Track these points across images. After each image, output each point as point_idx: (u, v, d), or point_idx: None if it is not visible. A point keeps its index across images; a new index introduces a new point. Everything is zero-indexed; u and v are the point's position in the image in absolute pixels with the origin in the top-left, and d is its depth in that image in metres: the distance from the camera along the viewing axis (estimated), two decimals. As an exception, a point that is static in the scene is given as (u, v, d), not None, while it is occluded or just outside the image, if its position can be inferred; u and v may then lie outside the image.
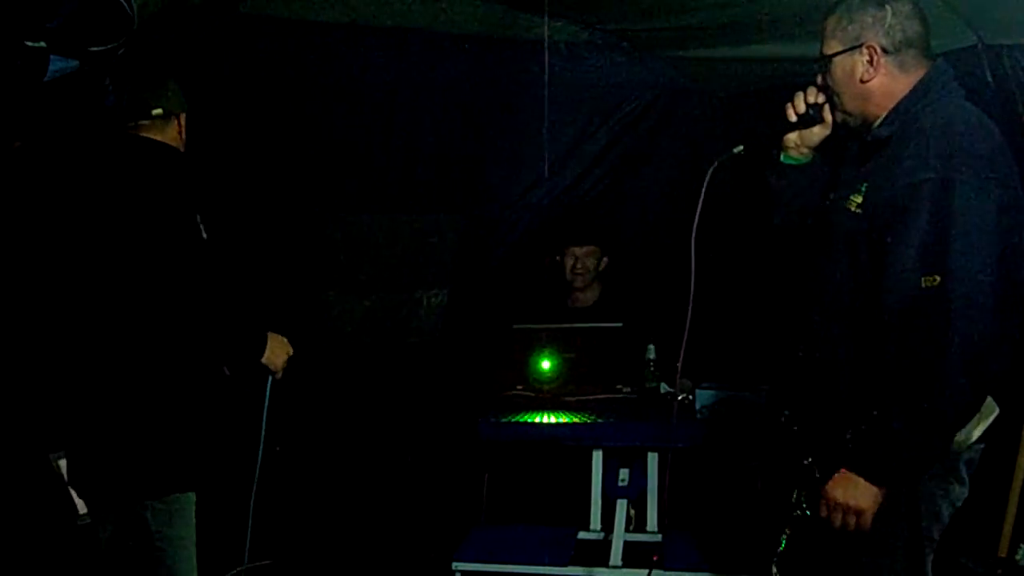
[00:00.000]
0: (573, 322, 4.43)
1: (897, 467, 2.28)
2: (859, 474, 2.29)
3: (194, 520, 2.80)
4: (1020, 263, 2.23)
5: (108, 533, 2.84)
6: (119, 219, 2.61)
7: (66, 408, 2.86)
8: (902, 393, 2.21)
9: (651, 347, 4.24)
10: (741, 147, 2.60)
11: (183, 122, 2.90)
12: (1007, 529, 3.25)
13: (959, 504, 2.43)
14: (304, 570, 4.31)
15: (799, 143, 2.62)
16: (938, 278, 2.16)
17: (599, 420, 3.95)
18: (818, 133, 2.58)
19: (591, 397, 4.20)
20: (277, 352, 2.92)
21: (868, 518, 2.30)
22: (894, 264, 2.24)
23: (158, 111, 2.80)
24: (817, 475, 2.45)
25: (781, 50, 3.73)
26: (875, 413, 2.25)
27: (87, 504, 2.99)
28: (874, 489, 2.28)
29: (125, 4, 1.63)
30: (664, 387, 4.23)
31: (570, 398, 4.19)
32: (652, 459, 4.07)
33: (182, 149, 2.90)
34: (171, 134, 2.85)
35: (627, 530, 4.02)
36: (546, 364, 4.26)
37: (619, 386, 4.33)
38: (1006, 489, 3.31)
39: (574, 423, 3.91)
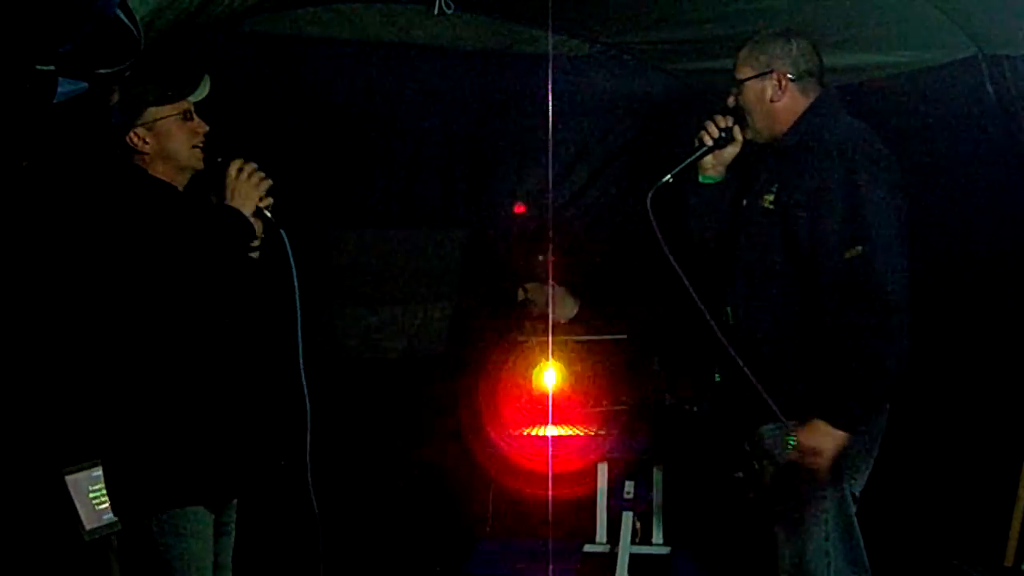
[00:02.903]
0: (569, 335, 4.43)
1: (858, 412, 2.67)
2: (827, 420, 2.65)
3: (207, 534, 2.79)
4: (906, 244, 2.67)
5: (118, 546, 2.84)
6: (114, 236, 2.61)
7: (80, 423, 2.86)
8: (853, 347, 2.62)
9: (655, 359, 4.24)
10: (669, 176, 2.95)
11: (133, 141, 2.71)
12: (1013, 539, 3.26)
13: (871, 461, 2.84)
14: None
15: (715, 163, 2.99)
16: (859, 248, 2.60)
17: (604, 432, 3.95)
18: (730, 152, 2.97)
19: (596, 409, 4.21)
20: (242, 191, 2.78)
21: (828, 460, 2.67)
22: (818, 245, 2.67)
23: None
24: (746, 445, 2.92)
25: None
26: (832, 368, 2.66)
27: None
28: (838, 434, 2.65)
29: (132, 27, 1.64)
30: (669, 398, 4.24)
31: (575, 410, 4.19)
32: (657, 471, 4.07)
33: (152, 161, 2.74)
34: (137, 152, 2.76)
35: (633, 542, 4.02)
36: (550, 377, 4.27)
37: (624, 398, 4.33)
38: (1010, 499, 3.32)
39: (579, 435, 3.92)
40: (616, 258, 5.19)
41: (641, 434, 4.01)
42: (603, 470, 4.08)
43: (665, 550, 4.04)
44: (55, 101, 1.64)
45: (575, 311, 4.67)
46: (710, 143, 2.94)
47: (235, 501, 2.96)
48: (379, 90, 4.51)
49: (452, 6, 3.83)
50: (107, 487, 2.76)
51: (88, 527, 3.37)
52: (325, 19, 4.13)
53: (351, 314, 4.99)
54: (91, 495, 3.35)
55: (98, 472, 3.11)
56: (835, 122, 2.82)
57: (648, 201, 2.91)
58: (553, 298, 4.63)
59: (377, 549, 4.49)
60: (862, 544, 2.78)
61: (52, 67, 1.57)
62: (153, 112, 2.70)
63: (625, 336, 4.21)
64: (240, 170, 2.77)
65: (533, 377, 4.31)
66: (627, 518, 4.04)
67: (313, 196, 4.60)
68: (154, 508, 2.66)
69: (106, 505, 3.11)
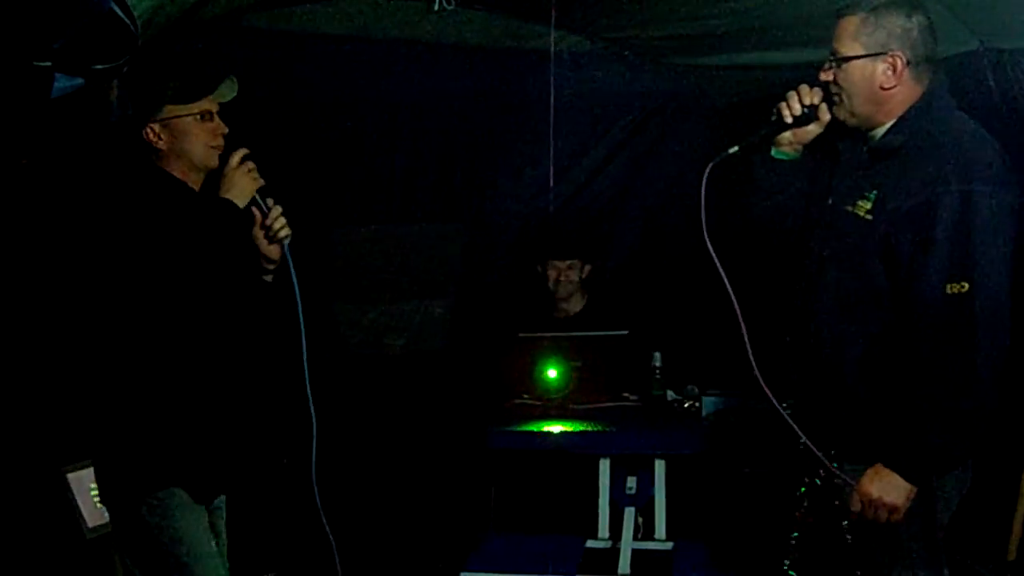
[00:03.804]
0: (571, 330, 4.43)
1: (932, 467, 2.38)
2: (895, 471, 2.38)
3: (199, 511, 2.78)
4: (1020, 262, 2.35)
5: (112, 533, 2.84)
6: (117, 229, 2.61)
7: (79, 419, 2.87)
8: (936, 396, 2.30)
9: (657, 354, 4.24)
10: (736, 148, 2.59)
11: (148, 135, 2.76)
12: (1016, 532, 3.25)
13: (964, 492, 2.52)
14: (313, 581, 4.31)
15: (793, 140, 2.64)
16: (966, 285, 2.25)
17: (606, 428, 3.95)
18: (813, 131, 2.60)
19: (597, 405, 4.20)
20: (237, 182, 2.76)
21: (901, 513, 2.40)
22: (919, 272, 2.32)
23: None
24: (823, 472, 2.56)
25: (784, 57, 3.74)
26: (909, 414, 2.34)
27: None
28: (908, 486, 2.37)
29: (129, 23, 1.64)
30: (671, 394, 4.24)
31: (576, 406, 4.19)
32: (659, 467, 4.07)
33: (166, 158, 2.78)
34: (154, 149, 2.79)
35: (635, 538, 4.02)
36: (552, 373, 4.26)
37: (625, 394, 4.33)
38: (1014, 493, 3.31)
39: (581, 431, 3.92)
40: (619, 253, 5.20)
41: (643, 430, 4.00)
42: (605, 466, 4.08)
43: (668, 545, 4.03)
44: (52, 97, 1.63)
45: (582, 304, 4.68)
46: (790, 120, 2.57)
47: (224, 498, 2.95)
48: (379, 86, 4.52)
49: (452, 2, 3.82)
50: (96, 478, 2.77)
51: (90, 525, 3.37)
52: (324, 15, 4.12)
53: (352, 310, 4.99)
54: (93, 493, 3.35)
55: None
56: (949, 120, 2.41)
57: (705, 175, 2.48)
58: (573, 283, 4.64)
59: (380, 545, 4.49)
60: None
61: (48, 63, 1.56)
62: (170, 109, 2.74)
63: (626, 332, 4.20)
64: (242, 161, 2.76)
65: (535, 373, 4.30)
66: (629, 513, 4.04)
67: (313, 193, 4.60)
68: (140, 491, 2.66)
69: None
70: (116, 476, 2.71)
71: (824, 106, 2.55)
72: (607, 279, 4.92)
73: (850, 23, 2.44)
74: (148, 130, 2.73)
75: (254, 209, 2.81)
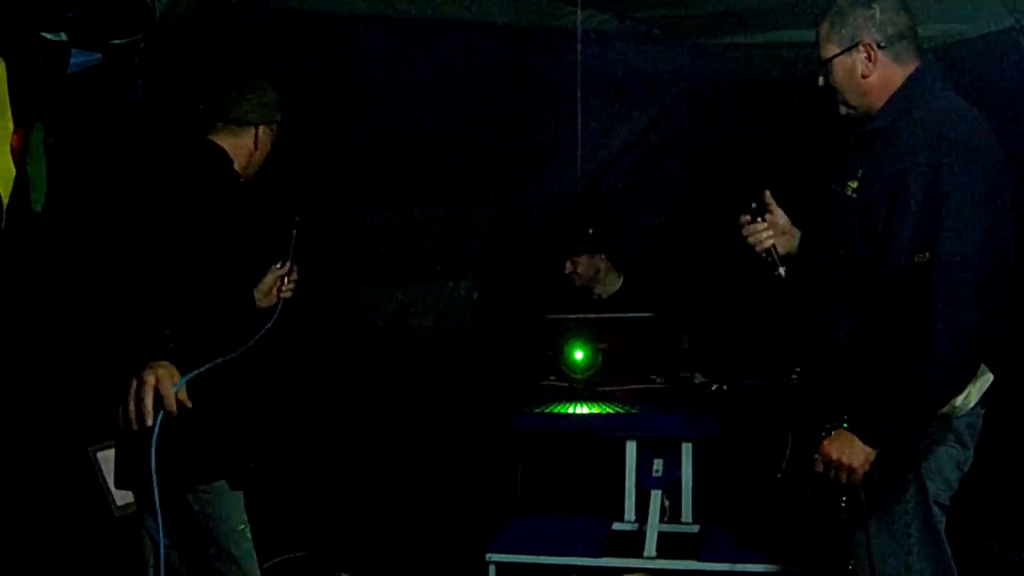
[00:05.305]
0: (598, 312, 4.41)
1: (886, 431, 2.45)
2: (854, 433, 2.47)
3: (242, 503, 2.82)
4: (1005, 242, 2.39)
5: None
6: (139, 211, 2.64)
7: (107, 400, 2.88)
8: (892, 362, 2.39)
9: (684, 337, 4.21)
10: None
11: (261, 133, 2.97)
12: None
13: (966, 468, 2.58)
14: (339, 560, 4.33)
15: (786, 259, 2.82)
16: (927, 254, 2.32)
17: (632, 410, 3.94)
18: (788, 247, 2.82)
19: (624, 387, 4.19)
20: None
21: (859, 476, 2.49)
22: (890, 242, 2.41)
23: (233, 116, 2.92)
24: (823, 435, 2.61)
25: (812, 35, 3.68)
26: (872, 380, 2.43)
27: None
28: (866, 449, 2.46)
29: (147, -1, 1.63)
30: (698, 377, 4.21)
31: (603, 388, 4.17)
32: (686, 449, 4.05)
33: (250, 158, 2.98)
34: (242, 142, 2.94)
35: (662, 521, 4.00)
36: (579, 354, 4.25)
37: (652, 376, 4.31)
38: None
39: (607, 413, 3.91)
40: (647, 234, 5.17)
41: (670, 412, 3.98)
42: (632, 448, 4.06)
43: (694, 528, 4.01)
44: (69, 72, 1.63)
45: (618, 286, 4.64)
46: (764, 256, 2.81)
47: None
48: (406, 66, 4.50)
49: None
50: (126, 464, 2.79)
51: (119, 503, 3.39)
52: (352, -5, 4.13)
53: (379, 292, 5.00)
54: (121, 472, 3.36)
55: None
56: (929, 99, 2.51)
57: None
58: (599, 272, 4.60)
59: (404, 528, 4.51)
60: (949, 556, 2.56)
61: (63, 36, 1.56)
62: (275, 127, 3.03)
63: (653, 314, 4.17)
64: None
65: (562, 354, 4.29)
66: (656, 496, 4.02)
67: (341, 174, 4.61)
68: (189, 482, 2.69)
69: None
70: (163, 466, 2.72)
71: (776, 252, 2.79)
72: (639, 261, 4.87)
73: (822, 29, 2.63)
74: (264, 129, 2.97)
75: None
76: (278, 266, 3.11)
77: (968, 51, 3.31)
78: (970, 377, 2.45)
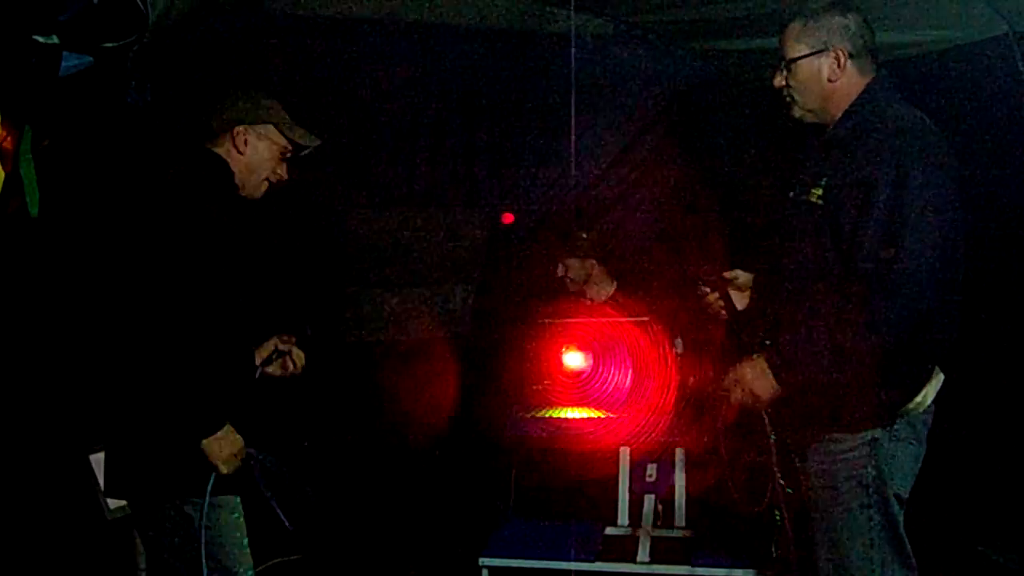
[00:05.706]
0: (591, 315, 4.41)
1: (802, 377, 2.59)
2: (771, 368, 2.62)
3: (240, 512, 2.81)
4: (958, 243, 2.53)
5: (152, 531, 2.85)
6: (131, 218, 2.62)
7: (105, 408, 2.87)
8: (837, 329, 2.51)
9: (679, 341, 4.22)
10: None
11: (236, 135, 2.81)
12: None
13: (919, 464, 2.72)
14: (333, 565, 4.33)
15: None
16: (893, 251, 2.45)
17: (626, 415, 3.94)
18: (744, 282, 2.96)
19: (617, 391, 4.19)
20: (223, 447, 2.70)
21: (762, 405, 2.70)
22: (860, 241, 2.51)
23: (215, 124, 2.82)
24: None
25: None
26: (811, 323, 2.57)
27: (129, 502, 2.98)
28: (776, 385, 2.62)
29: (139, 2, 1.63)
30: (692, 381, 4.21)
31: (596, 392, 4.18)
32: (679, 455, 4.05)
33: (245, 166, 2.85)
34: (227, 147, 2.82)
35: (654, 525, 4.00)
36: (574, 359, 4.25)
37: (646, 380, 4.31)
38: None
39: (600, 418, 3.91)
40: (640, 239, 5.17)
41: (664, 417, 3.99)
42: (625, 453, 4.07)
43: (687, 533, 4.02)
44: (61, 75, 1.63)
45: (611, 291, 4.64)
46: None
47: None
48: (402, 69, 4.50)
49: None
50: (119, 473, 2.78)
51: (112, 506, 3.38)
52: (346, -2, 4.13)
53: (374, 296, 5.00)
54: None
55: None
56: (889, 109, 2.63)
57: None
58: (592, 276, 4.59)
59: (397, 532, 4.51)
60: (908, 549, 2.67)
61: (55, 39, 1.56)
62: (271, 129, 2.85)
63: (647, 318, 4.18)
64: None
65: (556, 358, 4.29)
66: (649, 501, 4.02)
67: (335, 177, 4.60)
68: (190, 493, 2.68)
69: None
70: (163, 477, 2.71)
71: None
72: (632, 265, 4.88)
73: (793, 29, 2.69)
74: (241, 131, 2.80)
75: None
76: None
77: (962, 58, 3.31)
78: (922, 373, 2.62)
